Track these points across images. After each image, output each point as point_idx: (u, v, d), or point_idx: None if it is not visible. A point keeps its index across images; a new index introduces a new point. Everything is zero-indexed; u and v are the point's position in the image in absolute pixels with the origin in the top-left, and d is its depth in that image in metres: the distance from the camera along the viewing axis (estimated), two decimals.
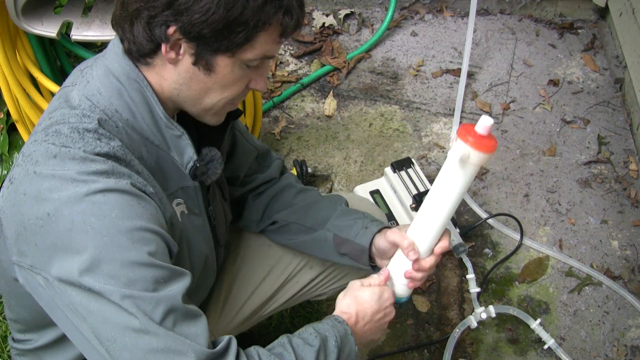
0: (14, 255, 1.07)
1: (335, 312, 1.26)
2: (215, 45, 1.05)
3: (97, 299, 0.98)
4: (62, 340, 1.23)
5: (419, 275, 1.29)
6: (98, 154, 1.04)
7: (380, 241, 1.36)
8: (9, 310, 1.31)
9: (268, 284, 1.60)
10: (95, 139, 1.06)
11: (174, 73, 1.10)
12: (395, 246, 1.32)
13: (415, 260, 1.27)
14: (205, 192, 1.30)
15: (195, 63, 1.08)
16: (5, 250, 1.11)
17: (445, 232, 1.28)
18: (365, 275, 1.35)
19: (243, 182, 1.52)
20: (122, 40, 1.10)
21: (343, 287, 1.38)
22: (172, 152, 1.18)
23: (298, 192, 1.53)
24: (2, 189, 1.10)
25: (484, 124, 1.10)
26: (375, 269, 1.40)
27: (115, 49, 1.12)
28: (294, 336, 1.18)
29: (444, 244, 1.28)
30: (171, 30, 1.03)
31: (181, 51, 1.06)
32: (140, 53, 1.09)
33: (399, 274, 1.30)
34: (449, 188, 1.20)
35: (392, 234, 1.32)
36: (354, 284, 1.30)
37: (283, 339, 1.17)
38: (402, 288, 1.32)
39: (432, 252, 1.29)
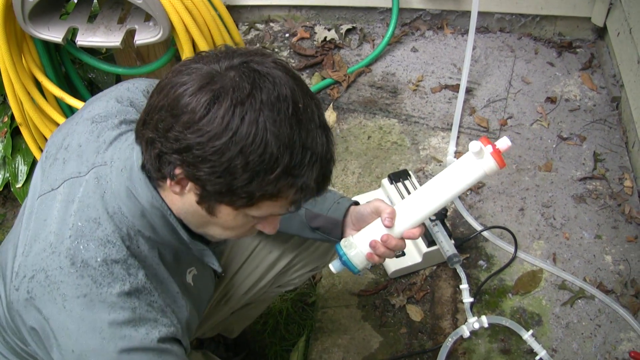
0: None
1: None
2: (219, 199, 1.04)
3: None
4: None
5: (381, 249, 1.32)
6: (128, 294, 1.07)
7: (360, 209, 1.40)
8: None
9: (226, 266, 1.66)
10: (124, 273, 1.08)
11: (179, 202, 1.11)
12: (375, 214, 1.36)
13: (387, 233, 1.31)
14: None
15: (198, 203, 1.07)
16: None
17: (421, 225, 1.34)
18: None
19: None
20: (141, 153, 1.09)
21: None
22: (193, 251, 1.24)
23: None
24: (14, 292, 1.11)
25: (506, 142, 1.25)
26: None
27: (137, 167, 1.10)
28: None
29: (415, 232, 1.33)
30: (177, 171, 1.02)
31: (186, 189, 1.06)
32: (152, 175, 1.09)
33: (364, 242, 1.33)
34: (451, 183, 1.29)
35: (376, 202, 1.37)
36: None
37: None
38: (360, 256, 1.34)
39: (402, 235, 1.34)
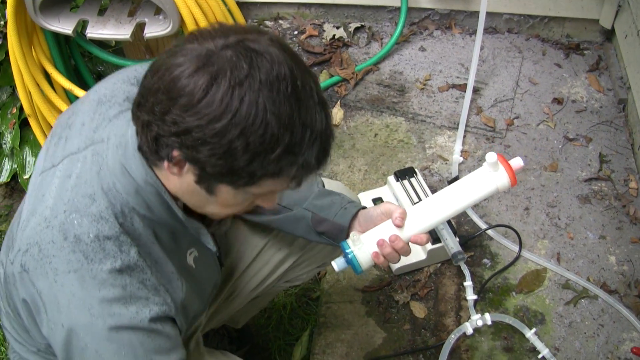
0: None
1: None
2: (219, 179, 1.04)
3: None
4: None
5: (387, 248, 1.32)
6: (119, 271, 1.07)
7: (370, 211, 1.41)
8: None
9: (234, 264, 1.66)
10: (116, 250, 1.08)
11: (177, 182, 1.10)
12: (384, 216, 1.36)
13: (395, 234, 1.31)
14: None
15: (197, 183, 1.06)
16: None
17: (427, 233, 1.35)
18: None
19: None
20: (137, 133, 1.08)
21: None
22: (190, 230, 1.23)
23: None
24: (10, 266, 1.13)
25: (518, 162, 1.28)
26: None
27: (132, 145, 1.10)
28: None
29: (422, 238, 1.33)
30: (175, 153, 1.01)
31: (184, 170, 1.05)
32: (148, 156, 1.08)
33: (372, 240, 1.33)
34: (464, 194, 1.31)
35: (387, 204, 1.37)
36: None
37: None
38: (366, 254, 1.33)
39: (409, 239, 1.34)
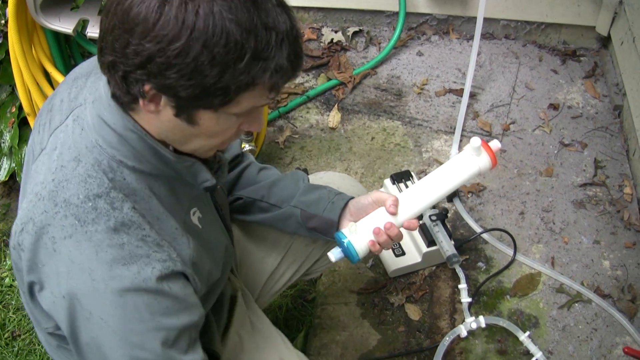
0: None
1: None
2: (196, 103, 1.01)
3: None
4: None
5: (383, 236, 1.34)
6: (115, 230, 1.04)
7: (361, 200, 1.42)
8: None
9: (270, 259, 1.67)
10: (108, 207, 1.04)
11: (156, 121, 1.07)
12: (376, 204, 1.39)
13: (390, 221, 1.34)
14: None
15: (176, 115, 1.04)
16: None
17: (417, 218, 1.40)
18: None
19: None
20: (108, 83, 1.07)
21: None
22: (184, 176, 1.18)
23: (260, 170, 1.58)
24: (12, 252, 1.11)
25: (496, 144, 1.41)
26: None
27: (105, 94, 1.08)
28: None
29: (414, 223, 1.37)
30: (147, 87, 0.99)
31: (161, 104, 1.02)
32: (124, 101, 1.05)
33: (368, 229, 1.36)
34: (449, 176, 1.39)
35: (377, 192, 1.40)
36: None
37: None
38: (362, 243, 1.36)
39: (402, 225, 1.38)
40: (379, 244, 1.35)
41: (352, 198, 1.47)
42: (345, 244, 1.35)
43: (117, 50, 0.97)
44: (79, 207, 1.03)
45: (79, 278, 1.02)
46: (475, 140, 1.35)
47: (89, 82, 1.16)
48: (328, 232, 1.46)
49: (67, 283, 1.03)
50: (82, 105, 1.12)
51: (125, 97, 1.03)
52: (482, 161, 1.37)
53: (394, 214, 1.35)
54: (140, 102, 1.02)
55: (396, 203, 1.35)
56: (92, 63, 1.22)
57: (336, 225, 1.44)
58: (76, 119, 1.11)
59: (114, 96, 1.06)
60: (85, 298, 1.03)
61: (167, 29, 0.92)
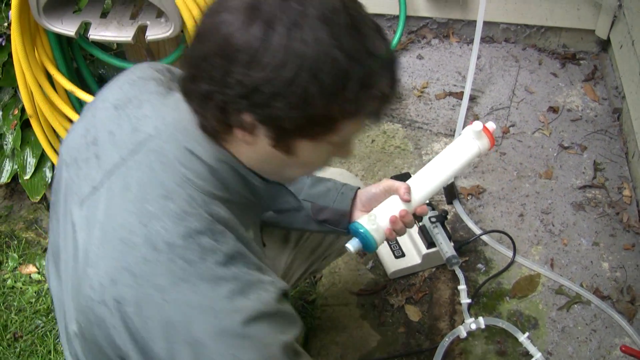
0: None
1: None
2: (297, 134, 0.97)
3: None
4: None
5: (399, 224, 1.36)
6: (224, 264, 0.98)
7: (371, 189, 1.44)
8: None
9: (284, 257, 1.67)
10: (213, 243, 0.98)
11: (250, 151, 1.02)
12: (387, 193, 1.40)
13: (404, 209, 1.37)
14: None
15: (274, 146, 0.99)
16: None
17: (425, 205, 1.43)
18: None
19: None
20: (195, 112, 1.00)
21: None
22: (262, 201, 1.16)
23: None
24: (100, 308, 0.99)
25: (492, 126, 1.48)
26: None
27: (189, 124, 1.02)
28: None
29: (425, 208, 1.41)
30: (247, 118, 0.94)
31: (258, 135, 0.97)
32: (215, 131, 1.00)
33: (385, 218, 1.38)
34: (453, 159, 1.46)
35: (387, 181, 1.41)
36: None
37: None
38: (380, 231, 1.38)
39: (414, 211, 1.40)
40: (395, 231, 1.37)
41: (359, 188, 1.48)
42: (364, 234, 1.37)
43: (215, 79, 0.92)
44: (183, 248, 0.96)
45: (203, 320, 0.95)
46: (477, 124, 1.43)
47: (150, 114, 1.09)
48: (339, 224, 1.45)
49: (188, 330, 0.94)
50: (153, 137, 1.05)
51: (219, 127, 0.99)
52: (482, 143, 1.45)
53: (408, 201, 1.37)
54: (238, 132, 0.98)
55: (409, 190, 1.37)
56: (126, 89, 1.17)
57: (348, 216, 1.44)
58: (150, 153, 1.04)
59: (203, 127, 1.01)
60: (213, 339, 0.95)
61: (273, 57, 0.88)
